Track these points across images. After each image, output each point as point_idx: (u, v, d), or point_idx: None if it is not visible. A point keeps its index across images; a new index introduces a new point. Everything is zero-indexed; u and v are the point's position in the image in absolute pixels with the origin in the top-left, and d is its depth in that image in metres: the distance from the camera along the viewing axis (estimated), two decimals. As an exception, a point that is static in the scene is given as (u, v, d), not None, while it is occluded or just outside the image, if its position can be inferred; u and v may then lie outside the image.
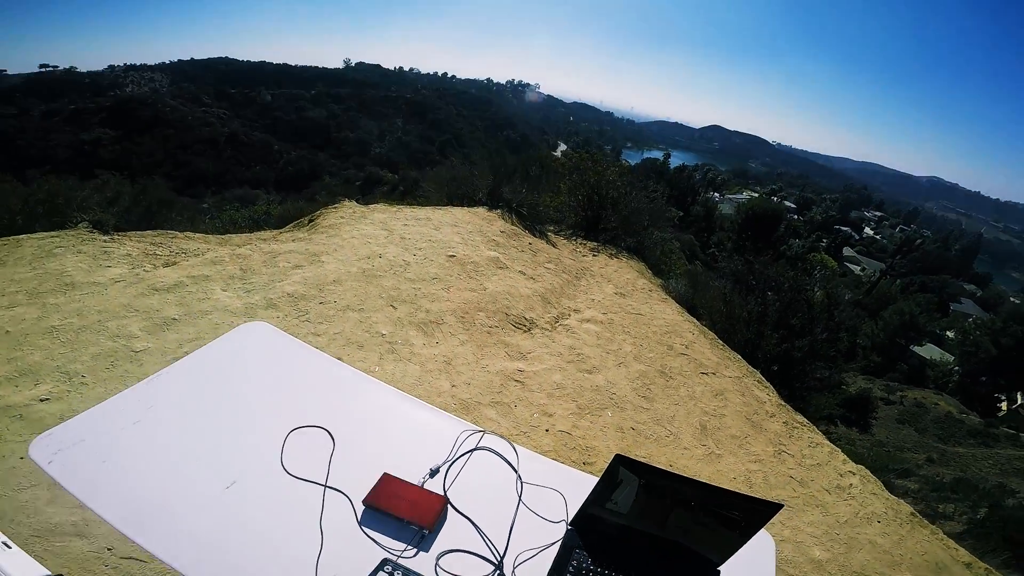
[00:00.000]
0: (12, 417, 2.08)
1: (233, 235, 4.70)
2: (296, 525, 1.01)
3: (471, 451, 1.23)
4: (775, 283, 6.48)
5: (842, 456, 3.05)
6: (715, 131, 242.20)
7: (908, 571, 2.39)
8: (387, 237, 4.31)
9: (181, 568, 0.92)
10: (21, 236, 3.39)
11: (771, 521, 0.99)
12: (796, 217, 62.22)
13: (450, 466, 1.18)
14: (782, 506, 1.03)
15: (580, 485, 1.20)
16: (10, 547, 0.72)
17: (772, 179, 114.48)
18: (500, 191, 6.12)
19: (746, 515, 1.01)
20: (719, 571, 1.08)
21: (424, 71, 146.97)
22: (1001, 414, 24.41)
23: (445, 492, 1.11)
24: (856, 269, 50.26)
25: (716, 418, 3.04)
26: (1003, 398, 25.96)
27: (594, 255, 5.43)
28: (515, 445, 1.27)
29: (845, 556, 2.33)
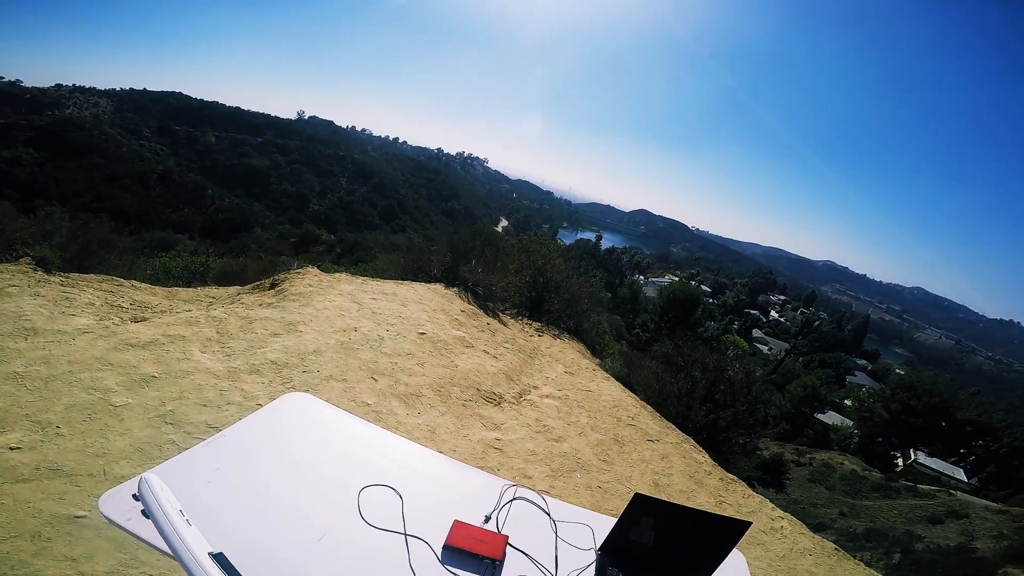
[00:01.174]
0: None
1: (179, 289, 4.69)
2: (388, 570, 1.22)
3: (511, 501, 1.54)
4: (701, 363, 7.35)
5: (771, 505, 3.61)
6: (642, 215, 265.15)
7: None
8: (358, 311, 4.53)
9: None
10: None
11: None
12: (712, 301, 68.73)
13: (498, 513, 1.48)
14: (750, 523, 1.42)
15: (599, 521, 1.56)
16: (191, 524, 0.78)
17: (691, 263, 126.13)
18: (458, 269, 6.55)
19: (724, 532, 1.40)
20: None
21: (376, 133, 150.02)
22: (898, 469, 27.28)
23: (499, 532, 1.40)
24: (764, 349, 55.44)
25: (665, 476, 3.53)
26: (898, 455, 28.94)
27: (539, 335, 5.94)
28: (543, 495, 1.59)
29: None
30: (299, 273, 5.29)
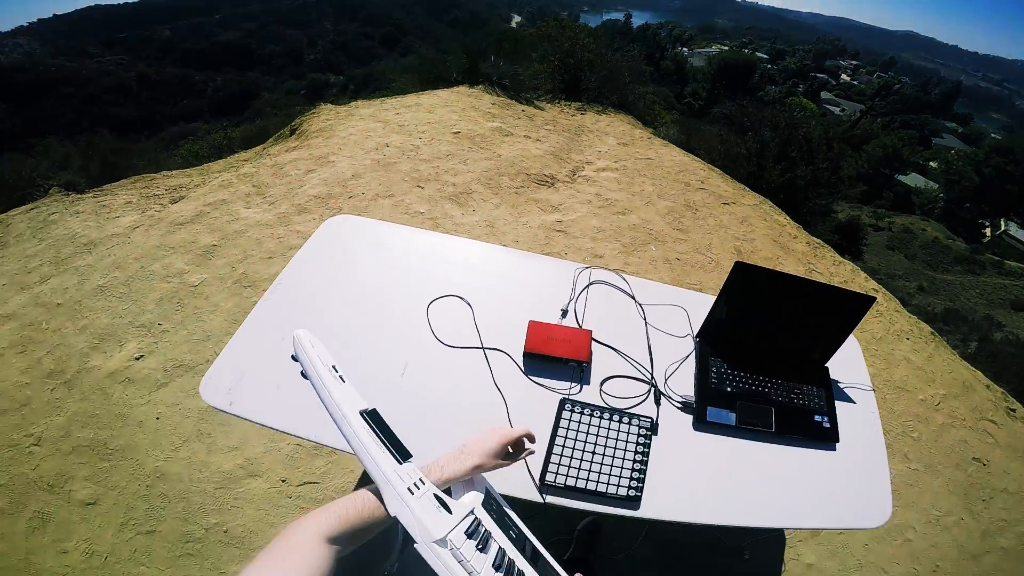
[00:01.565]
0: (121, 383, 2.07)
1: (210, 164, 4.48)
2: (476, 390, 1.10)
3: (587, 287, 1.34)
4: (771, 122, 6.49)
5: (863, 274, 3.26)
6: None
7: (941, 387, 2.62)
8: (384, 128, 4.15)
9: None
10: (-1, 215, 3.17)
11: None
12: (770, 67, 59.30)
13: (575, 304, 1.29)
14: (874, 299, 1.16)
15: (694, 301, 1.34)
16: (344, 381, 0.73)
17: (741, 33, 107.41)
18: (477, 68, 5.80)
19: (845, 308, 1.15)
20: (827, 368, 1.25)
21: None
22: (985, 240, 25.41)
23: (580, 327, 1.23)
24: (835, 110, 49.32)
25: (748, 242, 3.24)
26: (987, 224, 26.88)
27: (581, 114, 5.29)
28: (624, 275, 1.37)
29: (887, 372, 2.57)
30: (314, 113, 4.85)
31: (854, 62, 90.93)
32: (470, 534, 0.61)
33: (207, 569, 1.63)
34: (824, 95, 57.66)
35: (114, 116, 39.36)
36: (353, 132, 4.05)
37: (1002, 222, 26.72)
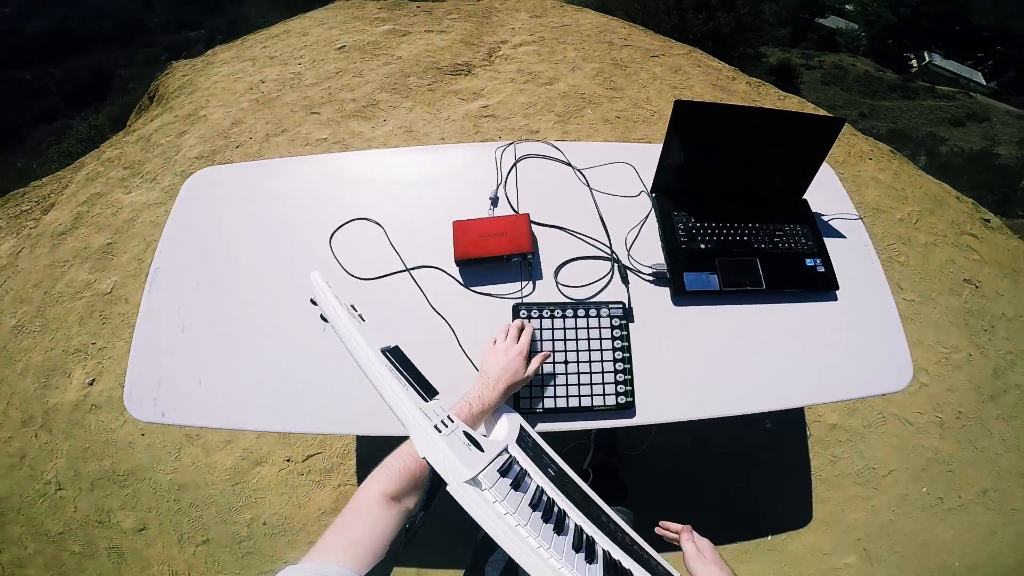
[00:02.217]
0: (90, 411, 1.97)
1: (81, 160, 3.82)
2: (412, 322, 0.91)
3: (514, 164, 1.09)
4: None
5: (810, 104, 3.18)
6: None
7: (915, 203, 2.57)
8: (254, 65, 3.52)
9: (350, 430, 0.87)
10: None
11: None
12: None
13: (504, 188, 1.05)
14: (844, 120, 1.00)
15: (640, 153, 1.12)
16: (364, 320, 0.69)
17: None
18: None
19: (812, 134, 0.98)
20: (806, 201, 1.08)
21: None
22: (913, 70, 26.28)
23: (516, 213, 1.01)
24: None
25: (686, 90, 3.01)
26: (912, 56, 27.83)
27: None
28: (553, 143, 1.13)
29: (859, 194, 2.49)
30: (167, 74, 4.09)
31: None
32: (504, 472, 0.57)
33: (272, 561, 1.68)
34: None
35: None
36: (218, 79, 3.44)
37: (925, 54, 27.60)
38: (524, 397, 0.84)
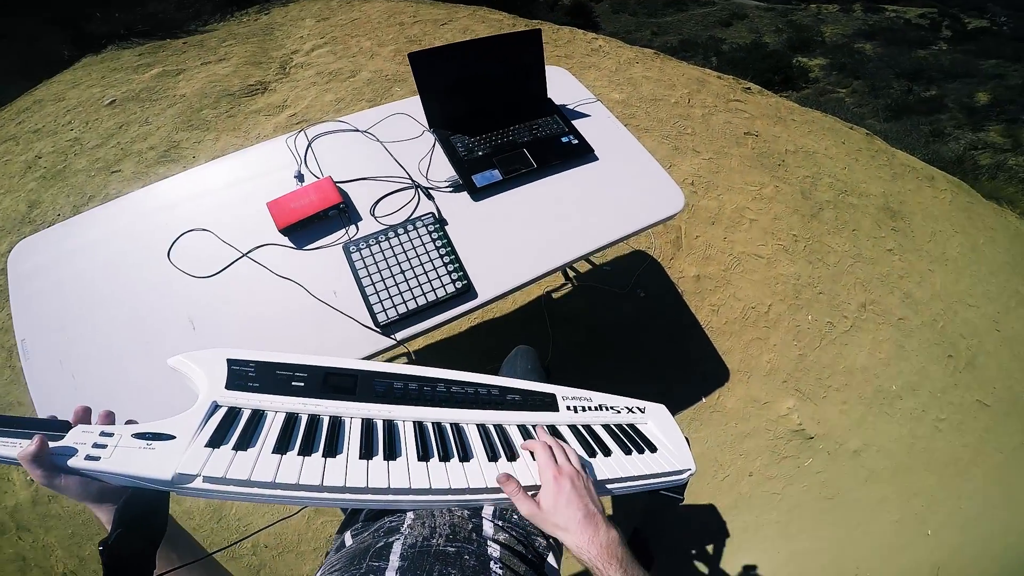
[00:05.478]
0: (46, 503, 1.77)
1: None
2: (265, 292, 1.02)
3: (309, 144, 1.26)
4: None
5: (581, 32, 3.53)
6: None
7: (683, 88, 3.07)
8: (19, 143, 3.06)
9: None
10: None
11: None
12: None
13: (304, 166, 1.22)
14: (539, 29, 1.26)
15: (412, 104, 1.33)
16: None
17: None
18: (87, 28, 4.27)
19: (524, 46, 1.26)
20: (551, 99, 1.37)
21: None
22: None
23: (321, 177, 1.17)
24: None
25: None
26: None
27: (266, 14, 4.36)
28: (341, 119, 1.31)
29: (637, 92, 2.95)
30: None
31: None
32: (225, 432, 0.52)
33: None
34: None
35: None
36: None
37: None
38: (379, 312, 0.99)
